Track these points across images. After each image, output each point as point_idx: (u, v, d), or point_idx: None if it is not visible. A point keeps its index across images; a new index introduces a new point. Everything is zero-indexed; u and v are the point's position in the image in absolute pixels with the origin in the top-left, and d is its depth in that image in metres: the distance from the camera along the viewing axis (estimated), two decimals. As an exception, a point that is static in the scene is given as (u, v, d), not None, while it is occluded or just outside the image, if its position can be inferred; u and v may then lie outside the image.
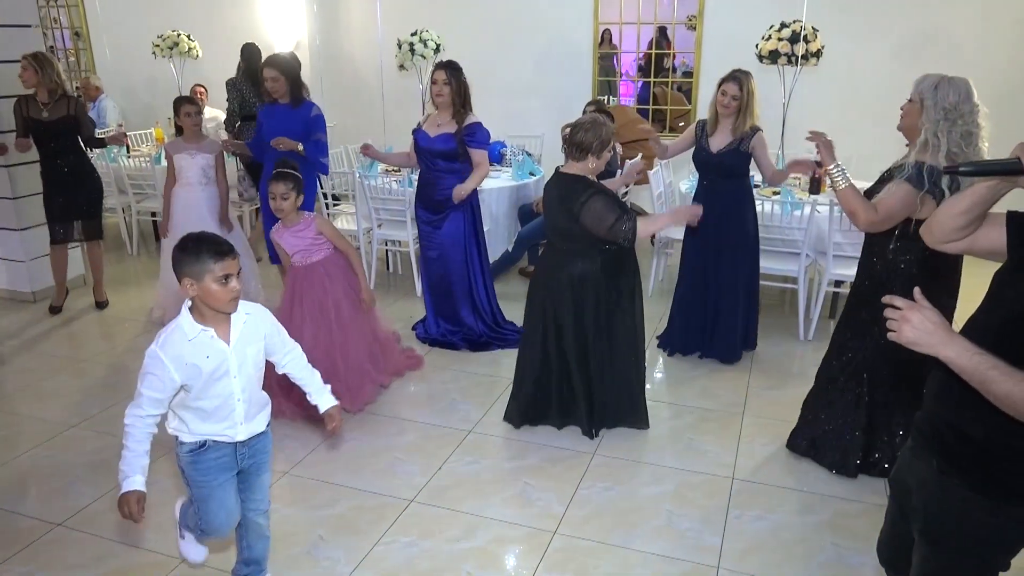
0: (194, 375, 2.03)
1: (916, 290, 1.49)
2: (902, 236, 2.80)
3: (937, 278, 2.82)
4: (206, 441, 2.15)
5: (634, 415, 3.57)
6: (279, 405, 3.50)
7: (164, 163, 5.11)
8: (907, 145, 2.86)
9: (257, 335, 2.17)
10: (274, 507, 3.01)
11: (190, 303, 2.07)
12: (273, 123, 4.57)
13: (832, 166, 2.77)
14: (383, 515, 2.98)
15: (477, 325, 4.57)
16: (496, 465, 3.35)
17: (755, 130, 3.93)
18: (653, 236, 5.16)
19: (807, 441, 3.31)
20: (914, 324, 1.43)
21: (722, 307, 4.22)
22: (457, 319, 4.56)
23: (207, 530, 2.26)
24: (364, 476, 3.25)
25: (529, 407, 3.59)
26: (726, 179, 4.04)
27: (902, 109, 2.82)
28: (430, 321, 4.65)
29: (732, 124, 3.94)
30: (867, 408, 3.10)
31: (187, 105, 4.70)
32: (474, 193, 4.48)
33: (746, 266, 4.20)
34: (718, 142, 3.99)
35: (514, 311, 4.84)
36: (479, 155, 4.28)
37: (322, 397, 2.39)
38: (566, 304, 3.37)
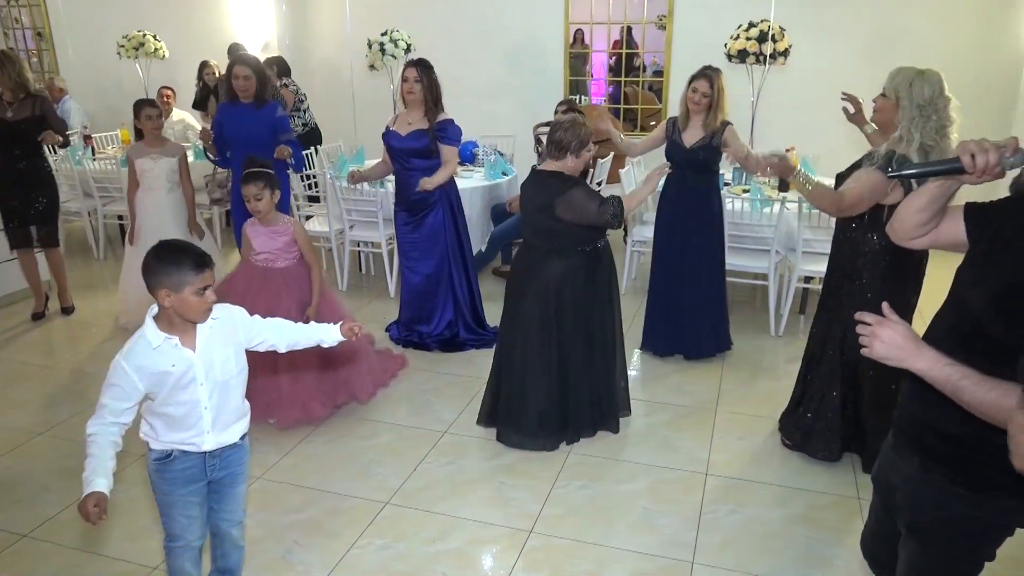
0: (159, 383, 1.99)
1: (884, 305, 1.51)
2: (872, 222, 2.83)
3: (904, 267, 2.87)
4: (172, 452, 2.09)
5: (612, 419, 3.56)
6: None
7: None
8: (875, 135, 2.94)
9: (226, 340, 2.11)
10: (247, 511, 2.99)
11: (155, 311, 2.01)
12: (236, 124, 4.51)
13: (792, 177, 2.85)
14: (357, 518, 2.96)
15: (457, 326, 4.54)
16: (471, 465, 3.34)
17: (726, 124, 3.99)
18: (626, 235, 5.19)
19: (800, 433, 3.34)
20: (884, 339, 1.46)
21: (691, 303, 4.25)
22: (433, 320, 4.52)
23: (169, 536, 2.19)
24: (338, 479, 3.22)
25: (495, 409, 3.56)
26: (697, 174, 4.09)
27: (875, 102, 2.87)
28: (404, 323, 4.62)
29: (703, 120, 3.99)
30: (850, 395, 3.15)
31: (148, 108, 4.58)
32: (454, 191, 4.47)
33: (714, 262, 4.25)
34: (690, 137, 4.03)
35: (489, 311, 4.85)
36: (448, 151, 4.27)
37: (328, 332, 2.31)
38: (545, 304, 3.34)
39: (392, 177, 4.76)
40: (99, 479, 1.95)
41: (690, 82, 3.99)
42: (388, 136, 4.32)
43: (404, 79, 4.18)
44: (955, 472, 1.60)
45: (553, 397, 3.40)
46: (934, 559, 1.71)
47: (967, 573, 1.70)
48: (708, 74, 3.93)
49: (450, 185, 4.45)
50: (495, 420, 3.55)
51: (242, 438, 2.21)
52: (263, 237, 3.47)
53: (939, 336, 1.60)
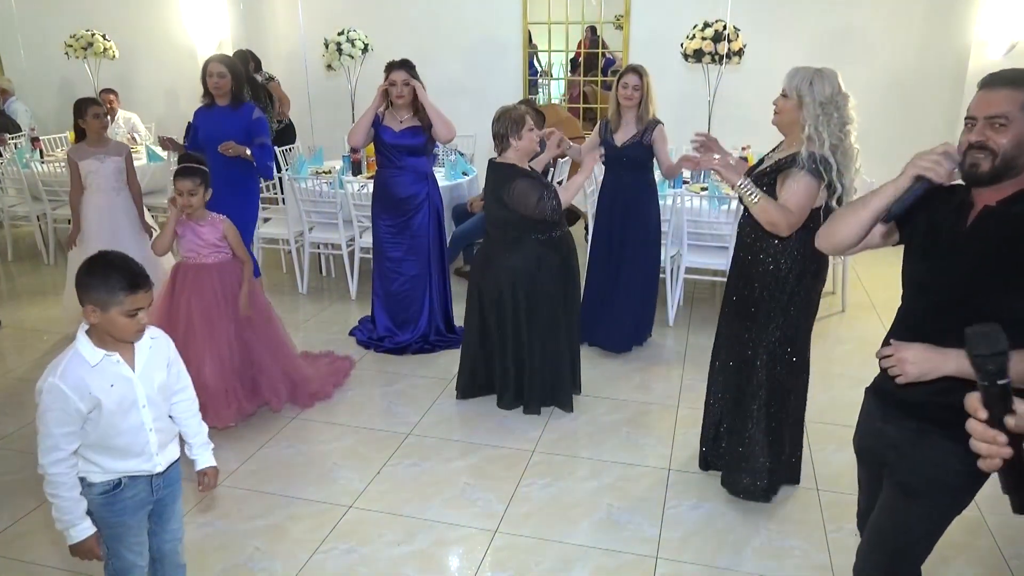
0: (95, 407, 1.87)
1: (893, 341, 1.71)
2: (801, 229, 2.68)
3: (820, 262, 2.80)
4: (121, 480, 1.99)
5: (563, 395, 3.73)
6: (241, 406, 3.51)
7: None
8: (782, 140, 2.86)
9: (162, 361, 2.03)
10: (207, 519, 2.95)
11: (87, 326, 1.90)
12: (211, 126, 4.39)
13: (739, 183, 2.64)
14: (321, 523, 2.93)
15: (429, 329, 4.51)
16: (436, 467, 3.33)
17: (656, 122, 4.07)
18: (587, 229, 5.22)
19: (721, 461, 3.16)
20: (912, 361, 1.63)
21: (620, 298, 4.31)
22: (413, 325, 4.48)
23: (121, 568, 2.09)
24: (300, 484, 3.19)
25: (469, 385, 3.85)
26: (630, 172, 4.16)
27: (775, 105, 2.76)
28: (374, 324, 4.56)
29: (635, 116, 4.06)
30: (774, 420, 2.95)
31: (94, 107, 4.42)
32: (437, 191, 4.45)
33: (648, 259, 4.31)
34: (622, 136, 4.12)
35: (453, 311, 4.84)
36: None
37: (204, 453, 2.20)
38: (503, 291, 3.53)
39: (352, 178, 4.74)
40: (84, 521, 1.92)
41: (619, 78, 4.07)
42: (380, 128, 4.23)
43: (392, 83, 4.12)
44: (952, 430, 1.61)
45: (509, 371, 3.70)
46: (919, 514, 1.83)
47: (946, 524, 1.85)
48: (637, 68, 4.03)
49: (434, 187, 4.42)
50: (469, 392, 3.86)
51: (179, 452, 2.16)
52: (189, 234, 3.41)
53: (916, 323, 1.77)
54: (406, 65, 4.16)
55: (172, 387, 2.09)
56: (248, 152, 4.34)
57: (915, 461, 1.80)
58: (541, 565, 2.70)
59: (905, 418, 1.81)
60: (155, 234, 4.74)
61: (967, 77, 6.02)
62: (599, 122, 4.30)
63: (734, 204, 4.57)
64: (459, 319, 4.70)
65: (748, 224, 2.85)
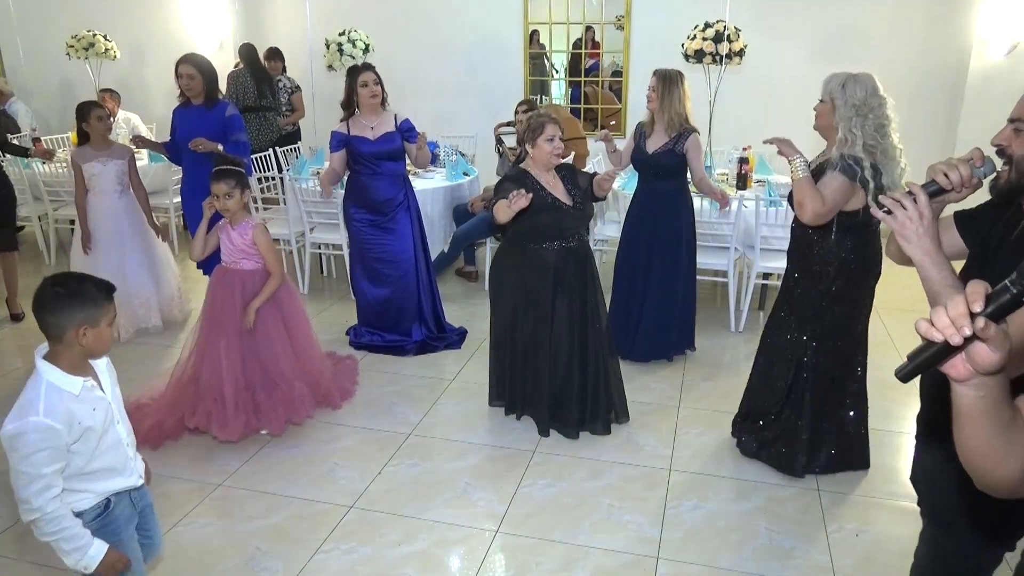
0: (83, 436, 1.84)
1: (911, 186, 1.53)
2: (840, 228, 2.84)
3: (869, 269, 2.93)
4: (109, 499, 1.98)
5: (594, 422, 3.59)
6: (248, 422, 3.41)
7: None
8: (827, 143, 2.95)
9: (114, 375, 2.03)
10: (208, 520, 2.95)
11: (44, 352, 1.83)
12: (187, 125, 4.43)
13: (794, 157, 2.72)
14: (322, 523, 2.93)
15: (420, 329, 4.51)
16: (436, 467, 3.33)
17: (691, 131, 3.98)
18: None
19: (758, 443, 3.30)
20: (913, 219, 1.47)
21: (653, 308, 4.20)
22: (399, 324, 4.48)
23: None
24: (301, 484, 3.19)
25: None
26: (662, 180, 4.08)
27: (815, 110, 2.88)
28: (365, 327, 4.57)
29: (665, 121, 3.98)
30: (811, 405, 3.09)
31: (97, 110, 4.46)
32: (413, 194, 4.46)
33: (681, 267, 4.20)
34: (654, 143, 4.04)
35: (452, 312, 4.85)
36: (414, 148, 4.31)
37: (136, 471, 2.11)
38: (527, 298, 3.44)
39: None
40: (96, 541, 1.89)
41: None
42: (353, 143, 4.23)
43: (363, 84, 4.15)
44: None
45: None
46: (954, 547, 1.75)
47: (987, 563, 1.75)
48: (657, 71, 4.01)
49: (410, 187, 4.44)
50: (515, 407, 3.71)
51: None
52: (224, 237, 3.40)
53: None
54: (370, 67, 4.26)
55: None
56: (220, 148, 4.34)
57: (941, 489, 1.73)
58: (542, 565, 2.70)
59: (936, 445, 1.73)
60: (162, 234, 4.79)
61: (968, 77, 6.02)
62: (636, 125, 4.21)
63: (735, 205, 4.57)
64: (455, 319, 4.72)
65: (795, 222, 2.98)
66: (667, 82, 3.95)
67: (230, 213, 3.34)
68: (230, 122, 4.46)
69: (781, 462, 3.19)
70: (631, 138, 4.21)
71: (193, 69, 4.35)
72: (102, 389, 1.93)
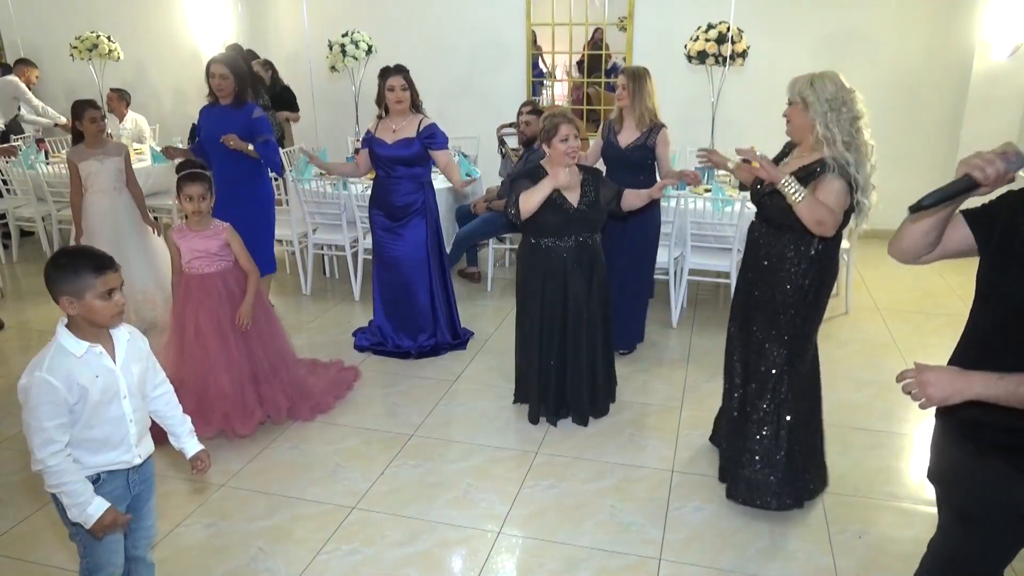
0: (81, 398, 1.90)
1: (916, 363, 1.57)
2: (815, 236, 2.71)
3: (833, 270, 2.83)
4: (99, 475, 2.00)
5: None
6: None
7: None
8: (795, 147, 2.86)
9: (141, 355, 2.07)
10: (210, 520, 2.95)
11: (66, 319, 1.94)
12: (211, 125, 4.38)
13: (784, 180, 2.54)
14: (324, 523, 2.93)
15: (436, 334, 4.48)
16: (439, 468, 3.33)
17: (660, 126, 4.09)
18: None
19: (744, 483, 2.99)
20: (934, 383, 1.51)
21: (616, 298, 4.21)
22: (411, 327, 4.46)
23: (92, 568, 2.10)
24: (303, 485, 3.19)
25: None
26: (633, 173, 4.12)
27: (785, 115, 2.78)
28: (377, 328, 4.54)
29: (636, 117, 4.07)
30: (788, 429, 2.91)
31: (91, 110, 4.46)
32: (433, 199, 4.42)
33: (644, 262, 4.31)
34: (626, 138, 4.13)
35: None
36: (444, 156, 4.25)
37: (191, 440, 2.24)
38: (547, 296, 3.48)
39: (355, 180, 4.72)
40: (97, 499, 1.93)
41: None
42: (373, 143, 4.22)
43: (390, 88, 4.11)
44: (1017, 458, 1.61)
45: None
46: (980, 543, 1.74)
47: (1008, 557, 1.75)
48: (625, 69, 4.11)
49: (430, 193, 4.39)
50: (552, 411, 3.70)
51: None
52: (195, 240, 3.34)
53: (983, 338, 1.66)
54: (400, 70, 4.15)
55: (151, 381, 2.14)
56: (251, 148, 4.32)
57: (972, 485, 1.71)
58: (544, 566, 2.70)
59: (964, 439, 1.71)
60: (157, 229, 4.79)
61: (971, 78, 6.01)
62: (603, 122, 4.29)
63: (737, 206, 4.57)
64: (463, 321, 4.72)
65: (761, 228, 2.86)
66: (636, 79, 4.04)
67: (203, 216, 3.30)
68: (257, 123, 4.38)
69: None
70: (599, 135, 4.29)
71: (226, 69, 4.31)
72: (114, 361, 1.97)
